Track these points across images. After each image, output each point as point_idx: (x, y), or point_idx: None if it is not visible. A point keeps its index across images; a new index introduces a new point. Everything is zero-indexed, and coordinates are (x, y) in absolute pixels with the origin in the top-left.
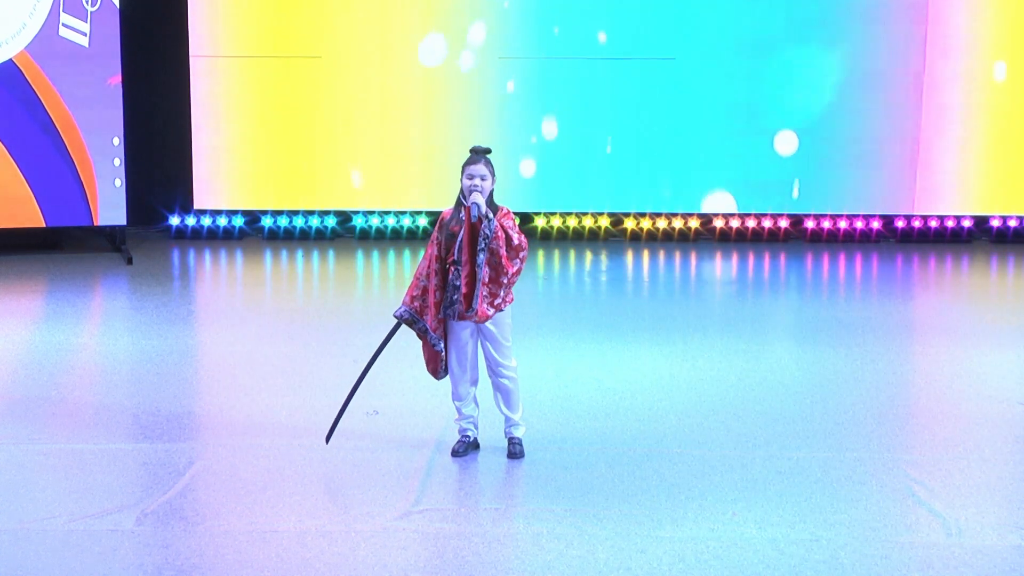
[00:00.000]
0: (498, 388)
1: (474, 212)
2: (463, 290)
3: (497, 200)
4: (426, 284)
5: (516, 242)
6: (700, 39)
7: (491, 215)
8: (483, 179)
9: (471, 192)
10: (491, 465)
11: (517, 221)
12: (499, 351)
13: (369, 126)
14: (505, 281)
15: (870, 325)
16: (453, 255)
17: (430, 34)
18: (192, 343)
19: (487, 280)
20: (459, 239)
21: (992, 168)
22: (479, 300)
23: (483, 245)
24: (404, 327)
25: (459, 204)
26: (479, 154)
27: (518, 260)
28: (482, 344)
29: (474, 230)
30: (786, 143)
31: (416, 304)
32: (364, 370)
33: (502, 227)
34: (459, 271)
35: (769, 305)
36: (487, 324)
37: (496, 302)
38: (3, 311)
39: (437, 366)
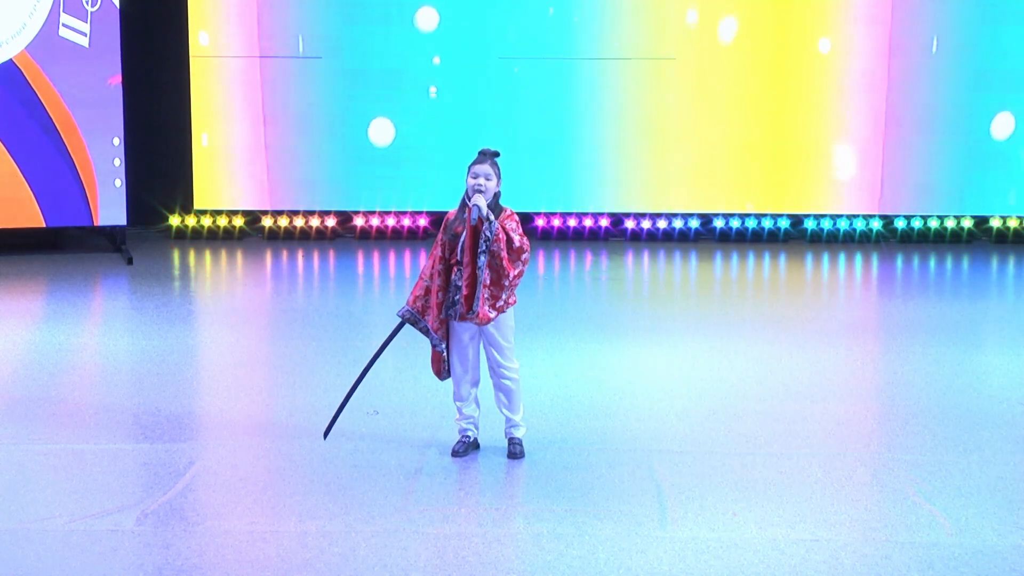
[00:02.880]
0: (499, 389)
1: (474, 214)
2: (464, 291)
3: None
4: (429, 284)
5: (517, 244)
6: (700, 39)
7: (492, 217)
8: (487, 179)
9: (474, 192)
10: (491, 465)
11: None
12: (501, 353)
13: (370, 126)
14: (506, 284)
15: (870, 325)
16: (456, 256)
17: (430, 34)
18: (192, 343)
19: (488, 282)
20: (462, 240)
21: (992, 168)
22: (480, 302)
23: (484, 247)
24: (408, 327)
25: (463, 204)
26: (486, 155)
27: (520, 263)
28: (484, 345)
29: (476, 232)
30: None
31: (419, 304)
32: (365, 368)
33: (504, 229)
34: (462, 272)
35: (769, 305)
36: (488, 326)
37: (498, 304)
38: (3, 311)
39: (440, 367)
